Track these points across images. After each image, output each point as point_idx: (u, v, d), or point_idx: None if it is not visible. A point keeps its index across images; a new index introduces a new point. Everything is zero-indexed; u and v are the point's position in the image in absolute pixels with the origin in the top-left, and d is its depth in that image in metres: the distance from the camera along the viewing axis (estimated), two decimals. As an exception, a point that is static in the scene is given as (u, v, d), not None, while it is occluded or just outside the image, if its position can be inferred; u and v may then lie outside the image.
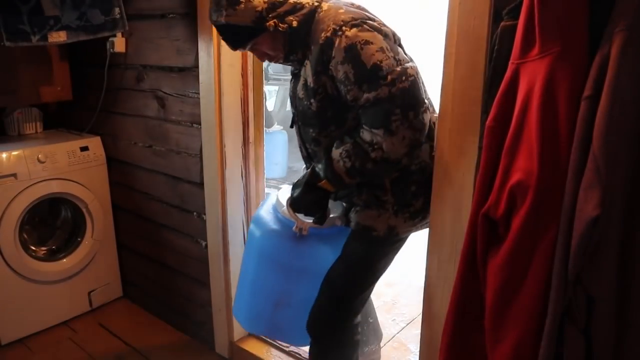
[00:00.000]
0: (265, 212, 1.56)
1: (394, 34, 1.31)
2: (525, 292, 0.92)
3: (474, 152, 1.17)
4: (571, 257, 0.84)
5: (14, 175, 2.07)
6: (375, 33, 1.22)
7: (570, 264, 0.84)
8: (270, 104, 5.08)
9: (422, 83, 1.30)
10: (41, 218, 2.37)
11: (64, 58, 2.36)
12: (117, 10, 1.99)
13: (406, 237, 1.48)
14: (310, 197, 1.38)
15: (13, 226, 2.07)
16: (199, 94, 1.88)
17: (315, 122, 1.35)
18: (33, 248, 2.28)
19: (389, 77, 1.18)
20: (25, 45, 1.94)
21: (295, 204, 1.41)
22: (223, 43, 1.77)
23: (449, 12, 1.18)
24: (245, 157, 1.97)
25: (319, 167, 1.35)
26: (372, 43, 1.20)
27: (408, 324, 2.37)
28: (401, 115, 1.18)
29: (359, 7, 1.34)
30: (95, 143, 2.36)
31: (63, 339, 2.24)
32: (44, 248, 2.34)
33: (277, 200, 1.53)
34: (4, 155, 2.06)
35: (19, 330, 2.20)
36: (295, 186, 1.43)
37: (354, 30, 1.21)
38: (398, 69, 1.19)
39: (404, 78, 1.19)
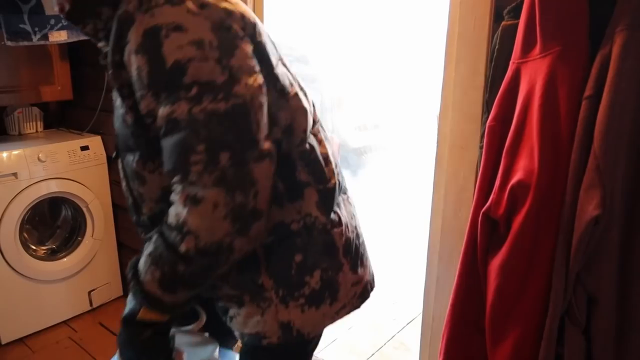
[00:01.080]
0: None
1: (254, 25, 0.81)
2: (525, 292, 0.92)
3: (475, 152, 1.17)
4: (572, 256, 0.84)
5: (15, 174, 2.07)
6: (202, 18, 0.75)
7: (571, 264, 0.84)
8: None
9: (290, 107, 0.85)
10: (41, 217, 2.37)
11: (65, 57, 2.35)
12: (117, 9, 1.99)
13: (321, 333, 0.99)
14: (135, 340, 0.84)
15: (13, 225, 2.07)
16: (199, 93, 1.88)
17: (133, 143, 0.85)
18: (33, 247, 2.28)
19: (194, 89, 0.72)
20: (26, 45, 1.94)
21: (122, 357, 0.88)
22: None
23: (449, 12, 1.18)
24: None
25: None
26: (185, 30, 0.73)
27: (408, 323, 2.37)
28: (206, 156, 0.71)
29: None
30: (95, 142, 2.36)
31: (63, 338, 2.24)
32: (44, 247, 2.34)
33: None
34: (5, 154, 2.06)
35: (19, 329, 2.19)
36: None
37: (167, 6, 0.75)
38: (220, 78, 0.73)
39: (221, 95, 0.72)
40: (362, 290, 0.98)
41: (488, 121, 0.99)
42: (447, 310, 1.08)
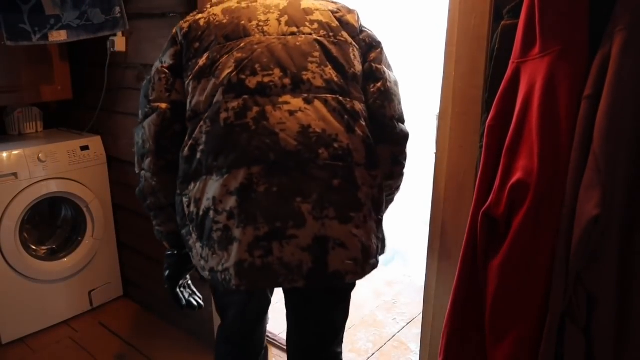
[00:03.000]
0: None
1: (188, 34, 1.18)
2: (525, 292, 0.92)
3: (475, 151, 1.17)
4: (572, 256, 0.84)
5: (15, 174, 2.07)
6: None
7: (571, 263, 0.84)
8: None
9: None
10: (42, 217, 2.37)
11: (65, 57, 2.35)
12: (117, 9, 1.99)
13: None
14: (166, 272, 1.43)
15: (14, 225, 2.07)
16: (199, 93, 1.88)
17: None
18: (33, 247, 2.28)
19: None
20: (25, 45, 1.93)
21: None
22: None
23: (449, 11, 1.18)
24: (245, 156, 1.97)
25: None
26: None
27: (408, 323, 2.37)
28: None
29: None
30: (95, 142, 2.36)
31: (63, 338, 2.24)
32: (44, 247, 2.34)
33: None
34: (5, 154, 2.06)
35: (20, 329, 2.20)
36: None
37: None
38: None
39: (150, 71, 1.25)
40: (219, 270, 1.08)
41: (488, 121, 0.99)
42: (447, 309, 1.08)
